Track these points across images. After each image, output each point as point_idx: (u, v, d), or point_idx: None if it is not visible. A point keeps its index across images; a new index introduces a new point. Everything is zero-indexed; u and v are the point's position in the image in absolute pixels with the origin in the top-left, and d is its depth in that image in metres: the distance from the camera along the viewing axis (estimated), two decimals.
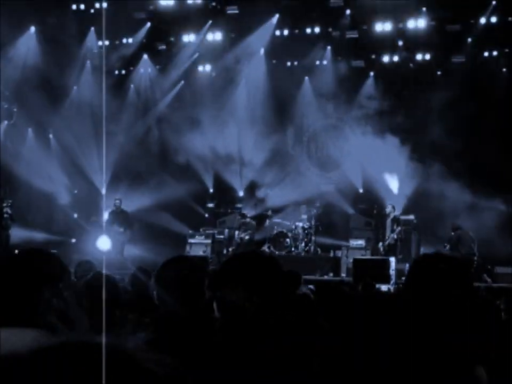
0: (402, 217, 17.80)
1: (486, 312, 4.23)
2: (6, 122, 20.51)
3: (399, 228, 16.94)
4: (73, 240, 20.86)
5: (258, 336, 2.46)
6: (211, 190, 21.40)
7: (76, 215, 21.01)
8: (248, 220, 18.49)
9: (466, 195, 17.78)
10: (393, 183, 19.52)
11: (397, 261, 15.80)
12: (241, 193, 21.06)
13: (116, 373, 0.96)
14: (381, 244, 17.27)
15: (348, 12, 18.92)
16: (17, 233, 17.84)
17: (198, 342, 2.71)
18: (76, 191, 21.41)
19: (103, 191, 21.10)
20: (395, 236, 16.85)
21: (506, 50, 18.90)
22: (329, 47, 20.00)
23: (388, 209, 17.41)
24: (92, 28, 20.26)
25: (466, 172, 18.03)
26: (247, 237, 18.16)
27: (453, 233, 15.99)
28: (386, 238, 17.09)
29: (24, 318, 2.45)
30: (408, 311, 2.11)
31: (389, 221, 17.23)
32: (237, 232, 18.40)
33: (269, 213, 18.91)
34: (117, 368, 0.97)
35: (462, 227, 16.08)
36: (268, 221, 18.91)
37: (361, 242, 17.94)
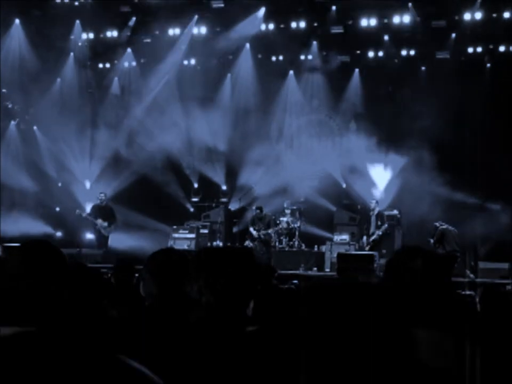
0: (386, 212, 17.89)
1: (463, 307, 4.26)
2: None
3: (385, 225, 16.99)
4: (59, 234, 20.84)
5: (220, 330, 2.47)
6: (195, 185, 21.38)
7: (57, 209, 20.98)
8: (264, 213, 18.41)
9: (450, 190, 17.90)
10: (378, 179, 19.59)
11: (380, 256, 15.86)
12: (224, 187, 21.08)
13: None
14: (364, 238, 17.31)
15: (334, 7, 18.88)
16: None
17: (174, 337, 2.72)
18: (60, 184, 21.33)
19: (87, 185, 21.04)
20: (380, 233, 16.92)
21: (491, 46, 19.01)
22: (315, 42, 20.01)
23: (372, 204, 17.47)
24: (77, 21, 20.14)
25: (450, 167, 18.10)
26: (266, 231, 18.17)
27: (436, 230, 16.05)
28: (371, 233, 17.14)
29: None
30: (387, 303, 2.15)
31: (373, 217, 17.27)
32: (251, 228, 18.30)
33: (253, 207, 18.87)
34: None
35: (444, 224, 16.15)
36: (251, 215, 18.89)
37: (345, 237, 17.97)
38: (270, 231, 18.12)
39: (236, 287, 2.56)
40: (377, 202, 17.52)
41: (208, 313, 2.52)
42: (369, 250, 16.67)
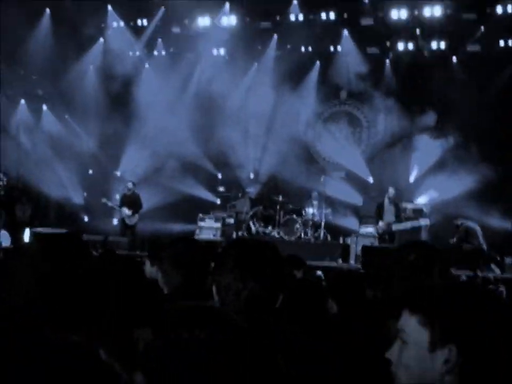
0: (410, 206, 17.77)
1: None
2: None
3: (427, 220, 16.84)
4: (86, 219, 21.12)
5: (253, 322, 2.50)
6: (219, 175, 21.27)
7: (85, 194, 21.20)
8: (268, 211, 18.55)
9: (480, 184, 17.71)
10: (410, 170, 19.47)
11: None
12: (251, 176, 20.92)
13: None
14: (380, 223, 17.15)
15: None
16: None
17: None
18: (90, 171, 21.55)
19: (118, 173, 21.12)
20: (410, 225, 16.77)
21: None
22: (345, 33, 19.84)
23: (390, 189, 17.21)
24: (109, 7, 20.25)
25: (481, 160, 17.86)
26: (264, 229, 18.33)
27: (458, 228, 15.90)
28: (392, 221, 16.96)
29: None
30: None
31: (389, 203, 17.12)
32: (251, 222, 18.42)
33: (280, 198, 18.80)
34: None
35: (466, 220, 16.00)
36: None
37: (371, 229, 17.87)
38: (268, 229, 18.30)
39: (270, 281, 2.60)
40: (396, 189, 17.29)
41: (244, 306, 2.55)
42: (390, 241, 16.67)
